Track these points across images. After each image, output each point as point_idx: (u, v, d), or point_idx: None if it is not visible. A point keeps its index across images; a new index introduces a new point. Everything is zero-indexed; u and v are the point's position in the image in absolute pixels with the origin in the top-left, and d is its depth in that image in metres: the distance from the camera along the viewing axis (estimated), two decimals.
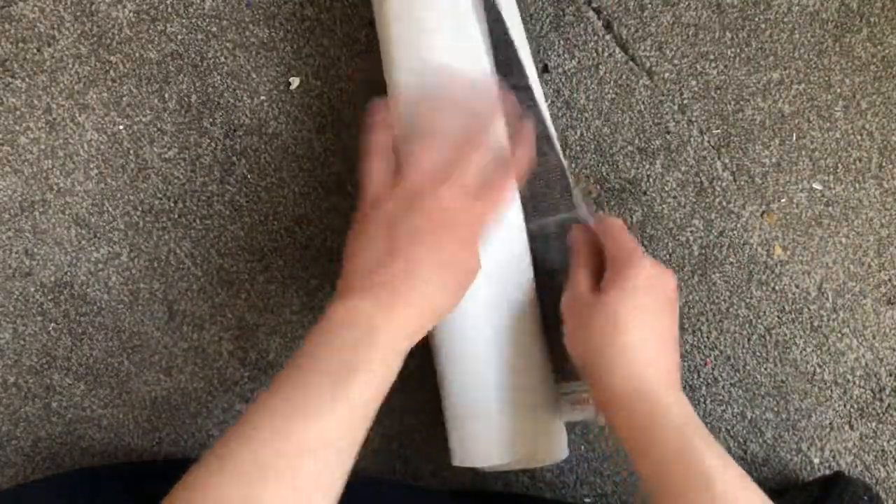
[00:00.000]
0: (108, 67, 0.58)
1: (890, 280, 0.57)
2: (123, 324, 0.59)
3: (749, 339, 0.58)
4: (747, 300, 0.57)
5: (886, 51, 0.55)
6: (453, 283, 0.43)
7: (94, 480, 0.54)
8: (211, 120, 0.58)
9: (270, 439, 0.36)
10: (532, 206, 0.52)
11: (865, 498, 0.55)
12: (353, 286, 0.41)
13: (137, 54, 0.58)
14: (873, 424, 0.57)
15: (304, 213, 0.58)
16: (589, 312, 0.44)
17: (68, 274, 0.59)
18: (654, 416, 0.41)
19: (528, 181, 0.51)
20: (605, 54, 0.57)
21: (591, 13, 0.57)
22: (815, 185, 0.56)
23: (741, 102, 0.56)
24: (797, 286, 0.57)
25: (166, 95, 0.58)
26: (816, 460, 0.58)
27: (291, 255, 0.58)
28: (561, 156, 0.51)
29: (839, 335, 0.57)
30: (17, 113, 0.58)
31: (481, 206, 0.44)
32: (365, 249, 0.42)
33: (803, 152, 0.56)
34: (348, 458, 0.38)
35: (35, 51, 0.58)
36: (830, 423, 0.57)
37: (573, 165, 0.57)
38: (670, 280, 0.45)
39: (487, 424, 0.48)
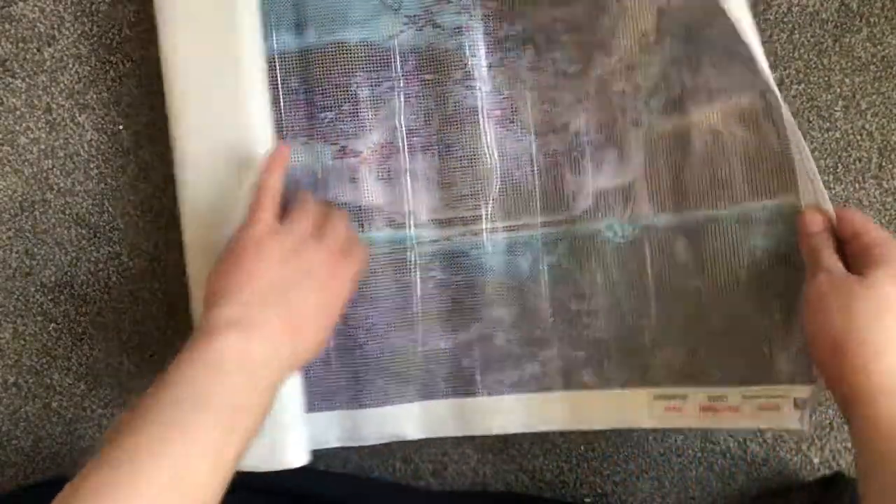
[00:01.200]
0: (108, 67, 0.58)
1: None
2: (123, 324, 0.59)
3: None
4: None
5: (886, 51, 0.55)
6: (325, 330, 0.45)
7: None
8: None
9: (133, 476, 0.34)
10: (745, 186, 0.49)
11: None
12: (237, 318, 0.41)
13: (137, 54, 0.58)
14: None
15: None
16: (850, 294, 0.41)
17: (68, 274, 0.59)
18: None
19: (740, 159, 0.50)
20: None
21: None
22: None
23: None
24: None
25: None
26: (816, 460, 0.58)
27: None
28: (789, 133, 0.47)
29: None
30: (17, 113, 0.58)
31: (349, 263, 0.47)
32: (250, 280, 0.42)
33: None
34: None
35: (35, 51, 0.58)
36: (830, 423, 0.57)
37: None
38: None
39: None
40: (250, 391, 0.39)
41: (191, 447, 0.35)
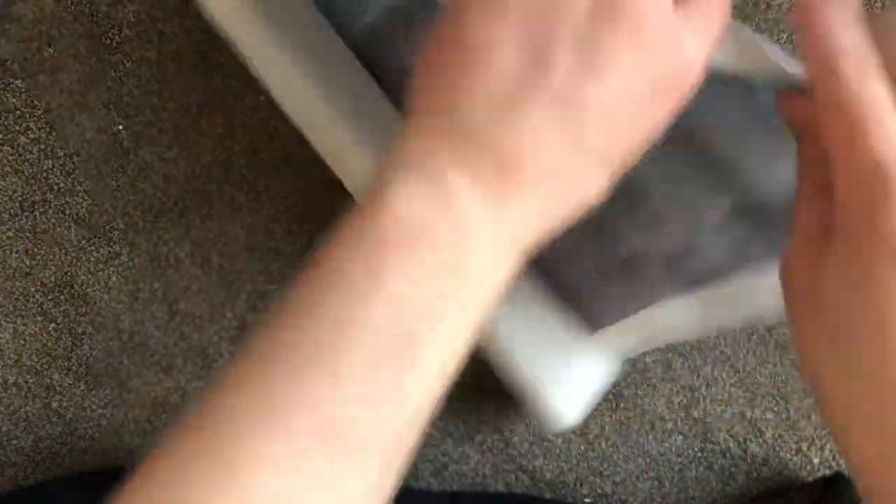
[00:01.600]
0: (108, 67, 0.58)
1: None
2: (123, 324, 0.59)
3: (749, 339, 0.58)
4: None
5: None
6: (632, 147, 0.23)
7: (93, 484, 0.54)
8: (210, 120, 0.58)
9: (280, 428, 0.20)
10: None
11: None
12: (439, 143, 0.21)
13: (137, 54, 0.58)
14: None
15: (304, 213, 0.58)
16: (815, 286, 0.23)
17: (68, 274, 0.59)
18: None
19: None
20: None
21: None
22: None
23: None
24: None
25: (166, 95, 0.58)
26: (816, 460, 0.58)
27: (291, 255, 0.58)
28: None
29: None
30: (17, 113, 0.58)
31: (697, 21, 0.23)
32: (463, 77, 0.21)
33: None
34: (395, 464, 0.23)
35: (35, 51, 0.58)
36: None
37: None
38: None
39: None
40: (459, 269, 0.21)
41: (339, 383, 0.20)
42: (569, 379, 0.41)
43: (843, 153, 0.22)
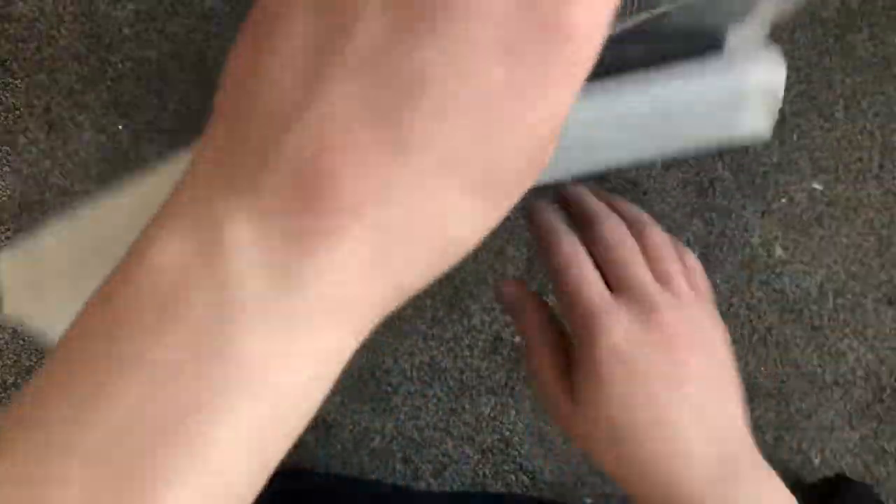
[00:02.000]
0: (107, 67, 0.58)
1: (891, 280, 0.57)
2: None
3: (749, 339, 0.58)
4: (747, 300, 0.57)
5: (887, 50, 0.55)
6: (513, 155, 0.15)
7: None
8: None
9: None
10: None
11: (867, 501, 0.55)
12: (215, 168, 0.15)
13: (137, 54, 0.57)
14: (873, 424, 0.57)
15: None
16: (564, 418, 0.27)
17: None
18: None
19: None
20: None
21: None
22: (815, 185, 0.56)
23: None
24: (797, 286, 0.57)
25: (166, 95, 0.58)
26: (817, 460, 0.58)
27: None
28: None
29: (840, 335, 0.57)
30: (17, 113, 0.58)
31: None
32: (257, 62, 0.14)
33: (804, 152, 0.56)
34: None
35: (35, 51, 0.58)
36: (831, 424, 0.57)
37: None
38: (677, 327, 0.25)
39: None
40: (201, 377, 0.13)
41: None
42: (740, 93, 0.39)
43: (567, 304, 0.27)
